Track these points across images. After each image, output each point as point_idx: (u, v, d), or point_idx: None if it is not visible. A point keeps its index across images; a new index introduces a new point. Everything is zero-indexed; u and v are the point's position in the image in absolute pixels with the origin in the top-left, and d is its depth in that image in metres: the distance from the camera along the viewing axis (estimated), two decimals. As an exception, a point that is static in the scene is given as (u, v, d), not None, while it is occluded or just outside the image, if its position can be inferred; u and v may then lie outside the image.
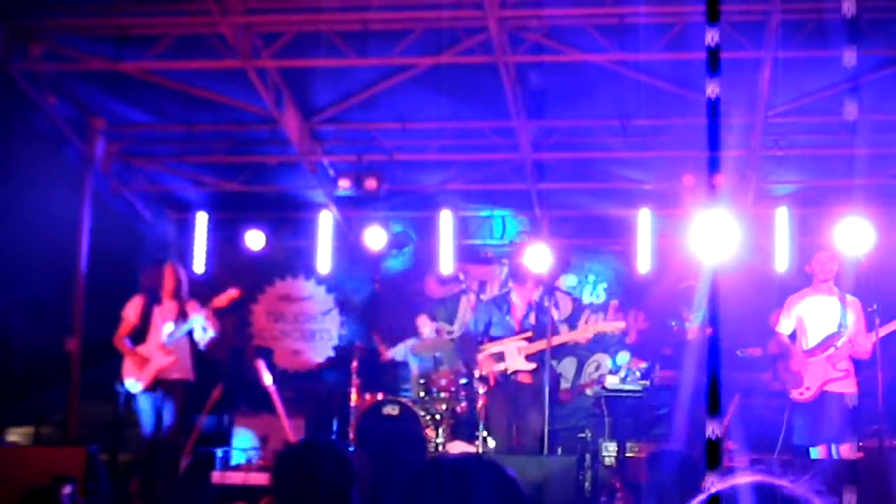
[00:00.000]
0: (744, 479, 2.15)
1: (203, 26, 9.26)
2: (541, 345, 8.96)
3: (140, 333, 8.64)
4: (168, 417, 8.53)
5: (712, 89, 2.48)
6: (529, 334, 9.05)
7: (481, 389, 9.29)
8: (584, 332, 9.72)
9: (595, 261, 12.73)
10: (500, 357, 9.04)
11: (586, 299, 12.66)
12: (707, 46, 2.49)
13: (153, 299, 8.72)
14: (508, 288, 9.59)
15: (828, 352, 8.24)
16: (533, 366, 8.98)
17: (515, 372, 9.02)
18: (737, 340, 9.75)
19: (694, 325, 9.70)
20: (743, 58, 9.02)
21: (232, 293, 8.73)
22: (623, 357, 10.19)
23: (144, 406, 8.56)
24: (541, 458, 8.39)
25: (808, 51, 9.02)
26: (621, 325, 10.18)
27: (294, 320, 13.01)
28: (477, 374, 9.21)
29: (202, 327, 8.64)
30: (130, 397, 8.64)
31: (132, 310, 8.71)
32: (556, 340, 9.02)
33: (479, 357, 9.12)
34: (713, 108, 2.47)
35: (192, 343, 8.70)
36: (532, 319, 9.19)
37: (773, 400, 9.13)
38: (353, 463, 4.22)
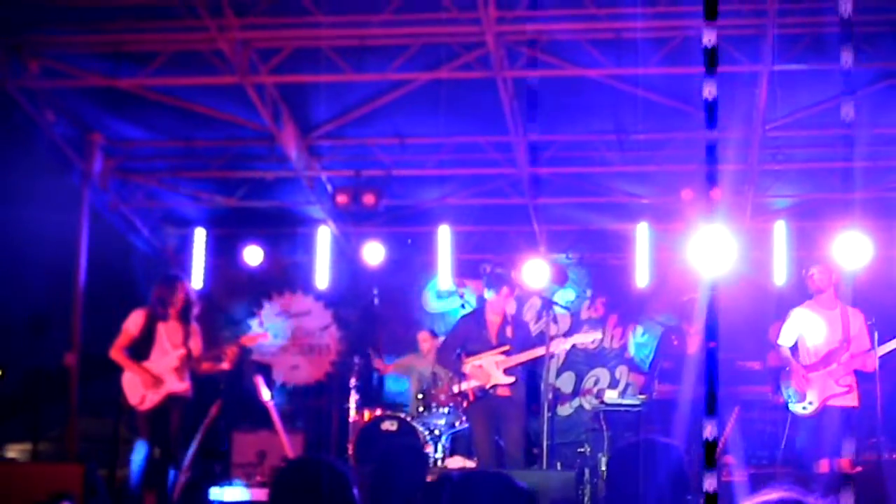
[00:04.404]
0: (773, 495, 2.13)
1: (200, 42, 9.27)
2: (519, 358, 8.93)
3: (140, 347, 8.50)
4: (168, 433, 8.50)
5: (709, 90, 2.47)
6: (507, 348, 8.98)
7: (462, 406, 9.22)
8: (560, 345, 9.55)
9: (593, 275, 12.72)
10: (480, 372, 8.99)
11: (584, 314, 12.64)
12: (703, 47, 2.49)
13: (158, 315, 8.59)
14: (484, 301, 9.47)
15: (830, 367, 8.21)
16: (511, 379, 8.91)
17: (494, 386, 8.92)
18: (735, 354, 9.74)
19: (693, 338, 9.66)
20: (739, 72, 9.04)
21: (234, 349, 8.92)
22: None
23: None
24: (540, 472, 8.37)
25: (805, 64, 9.04)
26: (598, 335, 10.00)
27: (292, 336, 12.99)
28: (456, 389, 9.08)
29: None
30: (129, 413, 8.57)
31: (133, 322, 8.55)
32: (531, 355, 8.96)
33: (464, 370, 9.01)
34: (710, 108, 2.47)
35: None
36: (508, 332, 9.08)
37: (773, 413, 9.13)
38: (351, 482, 4.17)
